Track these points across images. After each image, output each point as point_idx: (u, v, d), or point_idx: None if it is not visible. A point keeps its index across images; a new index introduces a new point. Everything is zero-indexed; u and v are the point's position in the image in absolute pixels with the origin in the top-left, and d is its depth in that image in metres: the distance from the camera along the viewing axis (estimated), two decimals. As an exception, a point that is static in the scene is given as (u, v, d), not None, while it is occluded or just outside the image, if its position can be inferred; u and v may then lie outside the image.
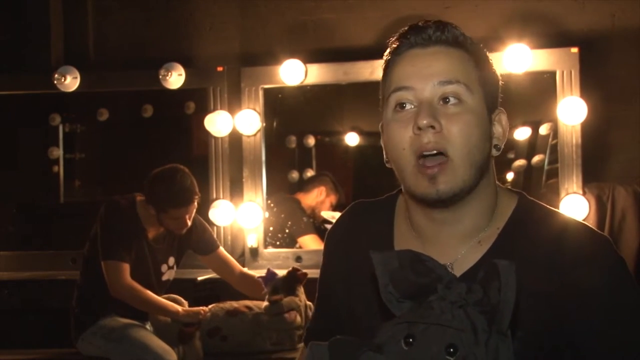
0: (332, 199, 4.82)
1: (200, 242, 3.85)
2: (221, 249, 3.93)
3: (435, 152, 1.32)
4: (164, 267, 3.73)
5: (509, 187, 1.54)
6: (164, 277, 3.75)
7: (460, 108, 1.34)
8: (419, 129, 1.32)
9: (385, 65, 1.43)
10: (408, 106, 1.36)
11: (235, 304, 3.70)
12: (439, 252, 1.38)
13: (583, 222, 1.45)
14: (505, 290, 1.05)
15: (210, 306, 3.69)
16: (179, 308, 3.60)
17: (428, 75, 1.35)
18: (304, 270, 3.69)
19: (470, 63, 1.37)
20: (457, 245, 1.41)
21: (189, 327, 3.58)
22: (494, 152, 1.41)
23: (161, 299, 3.59)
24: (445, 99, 1.34)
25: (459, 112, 1.33)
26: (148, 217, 3.64)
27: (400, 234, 1.49)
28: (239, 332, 3.62)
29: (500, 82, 1.45)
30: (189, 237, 3.78)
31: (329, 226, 4.36)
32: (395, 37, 1.41)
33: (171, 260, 3.77)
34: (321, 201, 4.80)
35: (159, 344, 3.49)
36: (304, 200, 4.79)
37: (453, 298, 1.08)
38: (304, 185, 4.94)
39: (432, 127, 1.31)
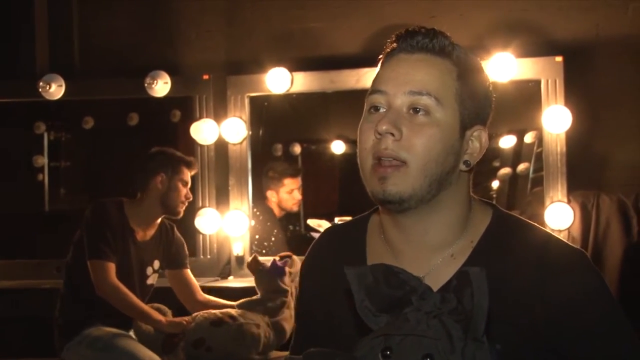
0: (286, 188, 4.77)
1: (177, 254, 3.87)
2: (189, 271, 3.90)
3: (391, 159, 1.34)
4: (149, 270, 3.74)
5: (495, 195, 1.55)
6: (149, 281, 3.75)
7: (427, 120, 1.34)
8: (379, 134, 1.34)
9: (379, 65, 1.44)
10: (381, 109, 1.38)
11: (219, 313, 3.68)
12: (411, 264, 1.39)
13: (557, 235, 1.46)
14: (477, 296, 1.06)
15: (193, 315, 3.67)
16: (163, 318, 3.58)
17: (402, 82, 1.36)
18: None
19: (451, 75, 1.38)
20: (429, 257, 1.42)
21: (173, 337, 3.56)
22: (463, 167, 1.41)
23: (146, 306, 3.57)
24: (415, 109, 1.35)
25: (425, 124, 1.34)
26: (137, 217, 3.67)
27: (373, 250, 1.50)
28: (224, 342, 3.60)
29: (493, 98, 1.45)
30: (170, 244, 3.83)
31: (315, 234, 4.37)
32: (390, 39, 1.42)
33: (156, 264, 3.78)
34: (278, 202, 4.78)
35: (146, 353, 3.48)
36: (273, 209, 4.80)
37: (428, 308, 1.09)
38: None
39: (392, 134, 1.33)
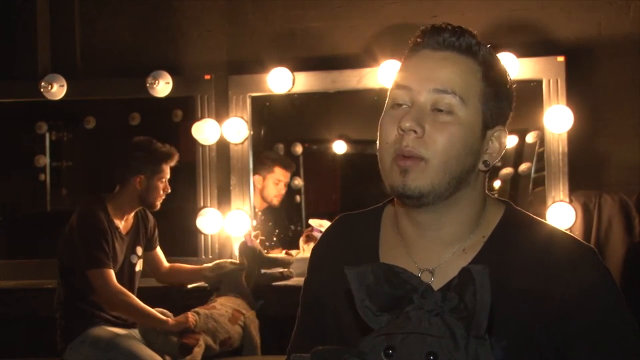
0: (274, 176, 4.74)
1: (153, 237, 3.95)
2: (159, 247, 4.03)
3: (410, 156, 1.34)
4: (134, 258, 3.79)
5: (497, 195, 1.54)
6: (137, 268, 3.81)
7: (450, 118, 1.35)
8: (402, 130, 1.34)
9: (402, 59, 1.44)
10: (404, 105, 1.38)
11: (228, 309, 3.71)
12: (423, 257, 1.41)
13: (568, 232, 1.46)
14: (480, 294, 1.05)
15: (198, 310, 3.63)
16: (167, 318, 3.56)
17: (427, 80, 1.36)
18: None
19: (476, 75, 1.38)
20: (441, 251, 1.42)
21: (188, 339, 3.52)
22: (482, 167, 1.42)
23: (149, 308, 3.57)
24: (438, 108, 1.35)
25: (447, 123, 1.34)
26: (117, 211, 3.71)
27: (386, 242, 1.50)
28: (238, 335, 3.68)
29: (514, 99, 1.45)
30: (146, 229, 3.90)
31: (317, 234, 4.36)
32: (416, 34, 1.42)
33: (139, 250, 3.84)
34: (261, 189, 4.74)
35: (148, 353, 3.48)
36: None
37: (429, 307, 1.09)
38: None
39: (415, 131, 1.33)
